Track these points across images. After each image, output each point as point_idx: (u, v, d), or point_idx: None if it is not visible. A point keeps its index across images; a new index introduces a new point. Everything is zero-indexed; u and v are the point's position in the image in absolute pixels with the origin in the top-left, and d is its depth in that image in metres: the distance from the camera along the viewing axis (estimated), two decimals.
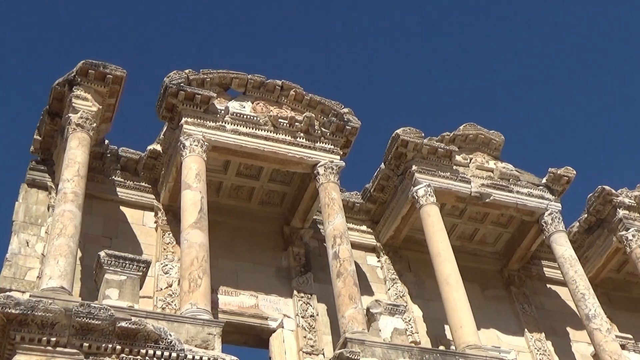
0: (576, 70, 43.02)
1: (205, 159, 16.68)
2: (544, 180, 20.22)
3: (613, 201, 20.55)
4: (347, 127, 18.29)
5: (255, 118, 17.72)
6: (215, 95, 17.48)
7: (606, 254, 20.86)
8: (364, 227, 20.02)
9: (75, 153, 15.38)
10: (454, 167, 19.48)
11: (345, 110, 18.66)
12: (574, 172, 20.34)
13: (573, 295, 18.31)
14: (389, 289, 18.90)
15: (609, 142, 42.73)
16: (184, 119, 16.99)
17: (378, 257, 19.70)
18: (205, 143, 16.81)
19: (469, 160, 20.14)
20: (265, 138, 17.53)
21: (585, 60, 42.67)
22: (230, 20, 40.61)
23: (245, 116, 17.64)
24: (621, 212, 20.46)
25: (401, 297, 18.77)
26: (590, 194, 20.97)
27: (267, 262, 18.18)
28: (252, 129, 17.56)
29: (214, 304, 16.10)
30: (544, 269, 21.51)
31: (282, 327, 16.96)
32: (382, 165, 19.58)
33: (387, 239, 19.73)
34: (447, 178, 19.10)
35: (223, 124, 17.31)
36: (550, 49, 42.92)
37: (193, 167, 16.26)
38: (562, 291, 21.02)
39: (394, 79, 42.58)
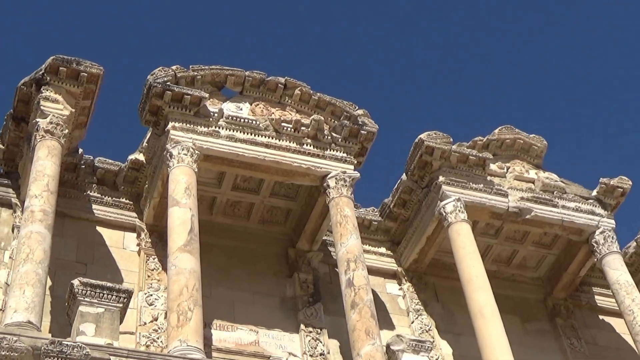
0: (629, 62, 42.99)
1: (196, 170, 16.72)
2: (594, 193, 20.19)
3: None
4: (362, 131, 18.32)
5: (254, 122, 17.76)
6: (207, 95, 17.54)
7: None
8: (382, 250, 20.00)
9: (44, 164, 15.43)
10: (488, 177, 19.47)
11: (360, 112, 18.68)
12: (630, 182, 20.31)
13: (630, 328, 18.24)
14: (412, 322, 18.87)
15: None
16: (170, 124, 17.03)
17: (400, 285, 19.68)
18: (196, 151, 16.85)
19: (505, 170, 20.12)
20: (266, 145, 17.57)
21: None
22: (224, 9, 40.70)
23: (242, 120, 17.69)
24: None
25: (427, 331, 18.73)
26: None
27: (269, 290, 18.19)
28: (251, 134, 17.61)
29: (207, 340, 16.10)
30: (596, 297, 21.43)
31: None
32: (404, 177, 19.58)
33: (410, 263, 19.71)
34: (480, 191, 19.09)
35: (217, 129, 17.36)
36: (593, 40, 42.93)
37: (182, 180, 16.29)
38: (617, 323, 20.92)
39: (417, 75, 42.69)
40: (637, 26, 42.11)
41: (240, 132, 17.56)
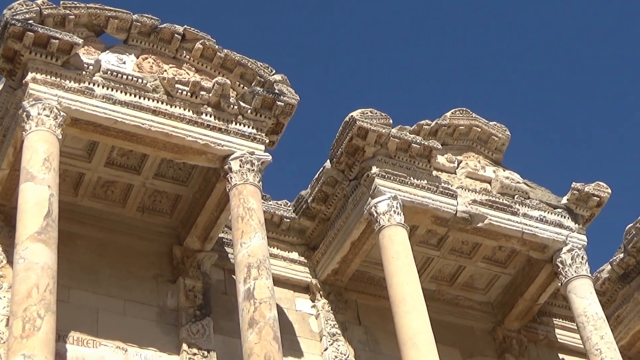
0: (616, 48, 43.95)
1: (61, 137, 16.55)
2: (564, 200, 20.55)
3: None
4: (279, 102, 18.33)
5: (140, 80, 17.65)
6: (81, 42, 17.34)
7: None
8: (294, 255, 20.09)
9: None
10: (434, 172, 19.67)
11: (278, 77, 18.69)
12: (609, 190, 20.71)
13: None
14: (325, 349, 18.98)
15: None
16: (30, 75, 16.82)
17: (313, 301, 19.79)
18: (62, 113, 16.68)
19: (456, 164, 20.35)
20: (154, 111, 17.49)
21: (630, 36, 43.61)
22: None
23: (125, 76, 17.57)
24: None
25: None
26: (631, 225, 21.36)
27: (146, 299, 18.12)
28: (135, 96, 17.50)
29: (60, 357, 15.95)
30: (556, 330, 21.85)
31: None
32: (328, 164, 19.65)
33: (329, 274, 19.83)
34: (422, 188, 19.27)
35: (91, 86, 17.20)
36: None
37: (40, 149, 16.12)
38: None
39: (356, 41, 42.87)
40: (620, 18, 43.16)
41: (121, 92, 17.42)
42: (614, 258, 21.78)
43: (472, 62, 43.77)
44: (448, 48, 43.54)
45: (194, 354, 17.57)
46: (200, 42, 18.48)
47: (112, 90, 17.37)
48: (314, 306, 19.72)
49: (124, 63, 17.91)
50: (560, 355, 21.72)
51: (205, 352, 17.67)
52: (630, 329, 21.60)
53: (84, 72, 17.26)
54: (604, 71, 44.15)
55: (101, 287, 17.87)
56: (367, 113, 19.21)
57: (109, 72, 17.50)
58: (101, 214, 18.74)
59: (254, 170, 17.67)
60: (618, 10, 43.56)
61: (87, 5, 17.93)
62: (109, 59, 17.81)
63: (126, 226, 18.84)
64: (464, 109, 20.85)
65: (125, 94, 17.46)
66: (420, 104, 41.34)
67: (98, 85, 17.30)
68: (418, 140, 19.45)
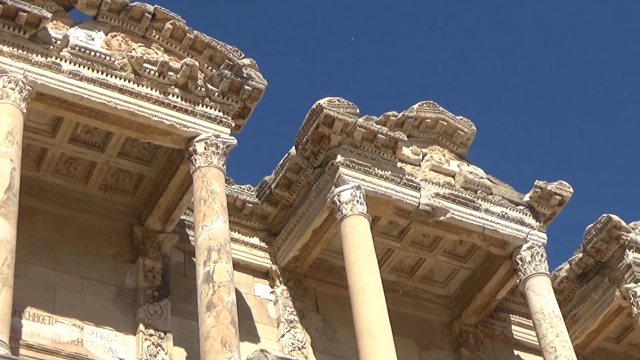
0: (587, 41, 44.17)
1: (25, 111, 16.48)
2: (526, 198, 20.65)
3: (622, 238, 21.10)
4: (247, 87, 18.31)
5: (108, 58, 17.58)
6: (50, 15, 17.25)
7: (604, 313, 21.42)
8: (255, 240, 20.08)
9: None
10: (399, 164, 19.71)
11: (247, 61, 18.66)
12: (571, 189, 20.83)
13: None
14: (282, 335, 18.99)
15: (624, 153, 43.98)
16: None
17: (272, 287, 19.81)
18: (27, 87, 16.60)
19: (420, 157, 20.39)
20: (121, 90, 17.42)
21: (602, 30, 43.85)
22: None
23: (93, 53, 17.49)
24: (631, 256, 21.00)
25: (300, 349, 18.89)
26: (591, 225, 21.47)
27: (104, 277, 18.08)
28: (102, 73, 17.43)
29: (15, 332, 15.87)
30: (513, 327, 21.96)
31: None
32: (293, 150, 19.65)
33: (289, 260, 19.84)
34: (386, 179, 19.31)
35: (58, 60, 17.12)
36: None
37: (4, 122, 16.05)
38: None
39: (326, 29, 42.84)
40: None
41: (89, 68, 17.35)
42: (573, 257, 21.91)
43: (442, 56, 43.91)
44: (417, 41, 43.64)
45: (150, 335, 17.53)
46: (171, 22, 18.40)
47: (79, 66, 17.29)
48: (272, 292, 19.72)
49: (93, 40, 17.82)
50: (516, 352, 21.84)
51: (162, 334, 17.64)
52: (586, 329, 21.74)
53: (51, 47, 17.17)
54: (571, 70, 44.41)
55: (60, 263, 17.80)
56: (334, 101, 19.21)
57: (77, 48, 17.41)
58: (63, 190, 18.65)
59: (218, 153, 17.64)
60: (584, 6, 43.83)
61: None
62: (78, 35, 17.70)
63: (88, 204, 18.76)
64: (432, 102, 20.89)
65: (93, 70, 17.39)
66: (388, 95, 41.41)
67: (65, 61, 17.21)
68: (384, 131, 19.47)
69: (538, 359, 20.68)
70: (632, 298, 20.70)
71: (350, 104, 19.31)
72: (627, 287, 20.83)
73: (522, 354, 21.84)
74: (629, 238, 21.11)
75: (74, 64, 17.25)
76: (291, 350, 18.68)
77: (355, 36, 42.89)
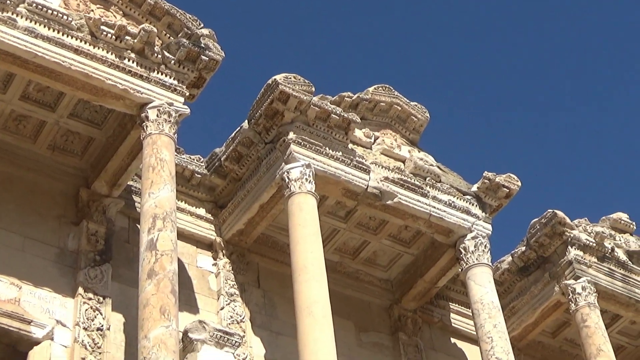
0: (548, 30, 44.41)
1: None
2: (474, 188, 20.80)
3: (565, 234, 21.36)
4: (204, 57, 18.24)
5: (65, 17, 17.41)
6: None
7: (542, 307, 21.70)
8: (201, 211, 20.07)
9: None
10: (350, 145, 19.76)
11: (205, 31, 18.59)
12: (519, 183, 21.02)
13: (485, 358, 18.92)
14: (222, 308, 19.01)
15: (573, 150, 44.40)
16: None
17: (215, 259, 19.83)
18: None
19: (372, 140, 20.46)
20: (76, 50, 17.28)
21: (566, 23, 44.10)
22: None
23: (50, 11, 17.30)
24: (573, 252, 21.30)
25: (238, 322, 18.92)
26: (535, 220, 21.72)
27: (46, 238, 17.99)
28: (58, 32, 17.26)
29: None
30: (452, 315, 22.16)
31: (52, 340, 16.80)
32: (245, 124, 19.62)
33: (234, 234, 19.85)
34: (337, 160, 19.36)
35: (14, 16, 16.92)
36: None
37: None
38: (470, 350, 21.71)
39: (287, 8, 42.74)
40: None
41: (45, 26, 17.17)
42: (516, 250, 22.14)
43: (401, 42, 43.96)
44: (377, 24, 43.66)
45: (89, 299, 17.48)
46: None
47: (35, 23, 17.10)
48: (215, 264, 19.73)
49: None
50: (453, 340, 22.03)
51: (101, 298, 17.59)
52: (523, 321, 22.01)
53: (7, 2, 16.94)
54: (527, 63, 44.67)
55: (2, 221, 17.69)
56: (290, 78, 19.20)
57: (34, 4, 17.20)
58: (10, 148, 18.49)
59: (170, 121, 17.58)
60: None
61: None
62: None
63: (35, 163, 18.63)
64: (387, 85, 20.97)
65: (49, 29, 17.21)
66: (345, 77, 41.48)
67: (22, 17, 17.01)
68: (337, 111, 19.50)
69: (474, 348, 20.89)
70: (571, 294, 20.99)
71: (307, 82, 19.32)
72: (566, 283, 21.11)
73: (459, 342, 22.03)
74: (572, 235, 21.38)
75: (30, 21, 17.06)
76: (230, 324, 18.70)
77: (319, 16, 42.88)
